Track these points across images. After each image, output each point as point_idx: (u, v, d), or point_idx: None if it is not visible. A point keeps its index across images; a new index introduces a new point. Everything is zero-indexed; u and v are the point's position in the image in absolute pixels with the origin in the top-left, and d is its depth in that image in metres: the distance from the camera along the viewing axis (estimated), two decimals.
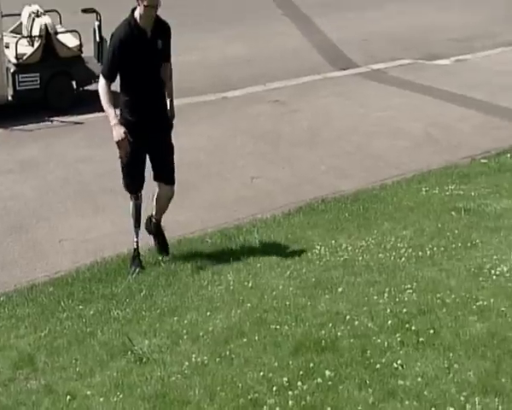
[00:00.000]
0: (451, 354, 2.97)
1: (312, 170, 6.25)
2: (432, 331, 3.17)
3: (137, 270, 4.54)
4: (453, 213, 4.96)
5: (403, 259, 4.19)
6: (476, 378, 2.80)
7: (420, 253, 4.25)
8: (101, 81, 4.57)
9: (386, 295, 3.59)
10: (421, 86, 8.63)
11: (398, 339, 3.12)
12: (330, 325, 3.29)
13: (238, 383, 2.85)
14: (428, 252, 4.25)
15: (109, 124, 4.29)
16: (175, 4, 13.98)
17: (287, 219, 5.24)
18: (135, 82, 4.62)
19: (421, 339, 3.11)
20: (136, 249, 4.70)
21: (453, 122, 7.41)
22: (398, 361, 2.94)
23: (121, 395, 2.87)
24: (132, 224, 4.74)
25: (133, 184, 4.73)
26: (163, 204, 4.81)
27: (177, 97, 7.81)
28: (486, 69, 9.34)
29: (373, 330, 3.22)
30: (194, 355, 3.10)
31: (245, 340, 3.21)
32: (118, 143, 4.40)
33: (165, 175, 4.72)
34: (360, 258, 4.27)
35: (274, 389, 2.78)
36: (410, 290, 3.62)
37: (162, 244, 4.88)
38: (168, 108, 4.89)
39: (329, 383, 2.81)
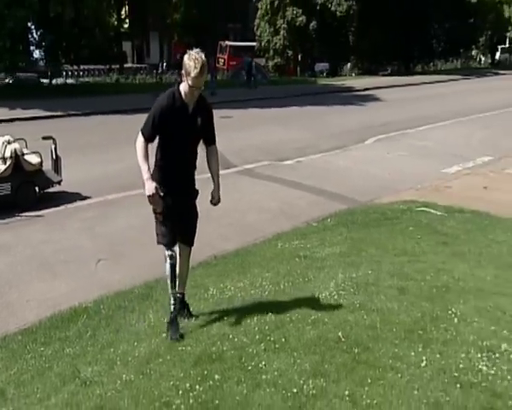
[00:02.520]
0: (295, 354, 3.03)
1: (208, 237, 6.18)
2: (283, 340, 3.21)
3: (177, 336, 3.42)
4: (297, 259, 5.08)
5: (266, 292, 4.22)
6: (310, 367, 2.87)
7: (277, 288, 4.30)
8: (140, 139, 3.36)
9: (255, 318, 3.60)
10: (276, 178, 8.95)
11: (263, 347, 3.14)
12: (219, 343, 3.27)
13: (155, 391, 2.77)
14: (282, 286, 4.31)
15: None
16: (82, 134, 13.87)
17: (191, 271, 5.13)
18: (170, 150, 3.45)
19: (277, 345, 3.15)
20: (174, 312, 3.56)
21: (296, 200, 7.71)
22: (263, 362, 2.96)
23: None
24: (169, 286, 3.60)
25: (169, 234, 3.51)
26: (182, 266, 3.69)
27: (116, 192, 7.77)
28: (314, 167, 9.89)
29: (246, 343, 3.23)
30: (124, 375, 2.98)
31: (160, 360, 3.13)
32: (149, 197, 3.29)
33: (187, 237, 3.64)
34: (239, 294, 4.26)
35: (180, 392, 2.73)
36: (271, 313, 3.64)
37: (188, 311, 3.80)
38: (213, 191, 3.70)
39: (217, 383, 2.79)
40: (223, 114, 16.97)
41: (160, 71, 32.26)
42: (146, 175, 3.29)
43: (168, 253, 3.54)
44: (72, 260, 5.07)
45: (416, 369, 2.86)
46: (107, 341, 3.62)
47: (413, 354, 3.02)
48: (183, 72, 3.31)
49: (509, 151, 11.06)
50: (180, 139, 3.44)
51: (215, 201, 3.73)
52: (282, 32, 37.03)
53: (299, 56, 38.74)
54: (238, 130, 13.78)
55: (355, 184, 8.64)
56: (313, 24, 35.76)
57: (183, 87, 3.35)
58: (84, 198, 7.78)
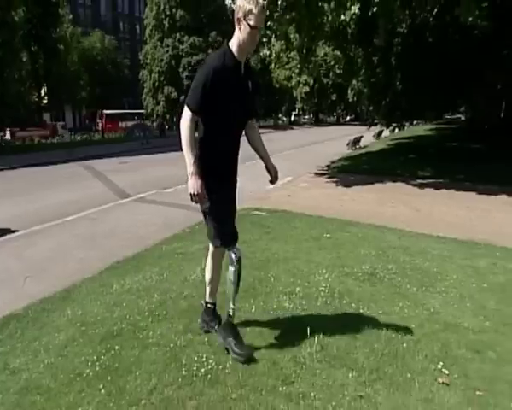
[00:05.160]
0: (172, 320, 2.93)
1: (112, 248, 5.67)
2: (165, 312, 3.08)
3: (250, 351, 2.24)
4: (176, 255, 4.83)
5: (154, 281, 3.97)
6: (182, 328, 2.83)
7: (161, 277, 4.07)
8: (186, 114, 1.93)
9: (145, 300, 3.40)
10: (161, 202, 8.51)
11: (150, 320, 2.97)
12: (119, 323, 3.02)
13: (70, 367, 2.48)
14: (165, 275, 4.09)
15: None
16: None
17: (105, 272, 4.58)
18: (221, 123, 2.00)
19: (160, 317, 3.00)
20: (233, 317, 2.30)
21: (175, 215, 7.35)
22: (150, 331, 2.80)
23: (0, 396, 2.27)
24: (233, 291, 2.24)
25: (231, 232, 2.17)
26: (220, 271, 2.34)
27: (39, 224, 6.63)
28: (187, 192, 9.67)
29: (139, 319, 3.00)
30: (46, 360, 2.60)
31: (75, 343, 2.79)
32: (191, 195, 2.05)
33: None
34: (134, 286, 3.92)
35: (89, 364, 2.48)
36: (157, 295, 3.47)
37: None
38: (269, 166, 2.32)
39: (117, 352, 2.60)
40: (121, 160, 16.06)
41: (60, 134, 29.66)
42: (190, 168, 1.97)
43: (235, 253, 2.20)
44: (4, 279, 4.18)
45: (246, 314, 3.00)
46: (33, 336, 3.08)
47: (247, 305, 3.18)
48: (239, 15, 1.88)
49: (301, 174, 12.38)
50: (233, 107, 2.00)
51: (274, 174, 2.31)
52: (161, 103, 38.26)
53: (175, 119, 39.61)
54: (133, 171, 12.99)
55: None
56: (182, 97, 36.40)
57: (238, 39, 1.95)
58: (13, 231, 6.55)
